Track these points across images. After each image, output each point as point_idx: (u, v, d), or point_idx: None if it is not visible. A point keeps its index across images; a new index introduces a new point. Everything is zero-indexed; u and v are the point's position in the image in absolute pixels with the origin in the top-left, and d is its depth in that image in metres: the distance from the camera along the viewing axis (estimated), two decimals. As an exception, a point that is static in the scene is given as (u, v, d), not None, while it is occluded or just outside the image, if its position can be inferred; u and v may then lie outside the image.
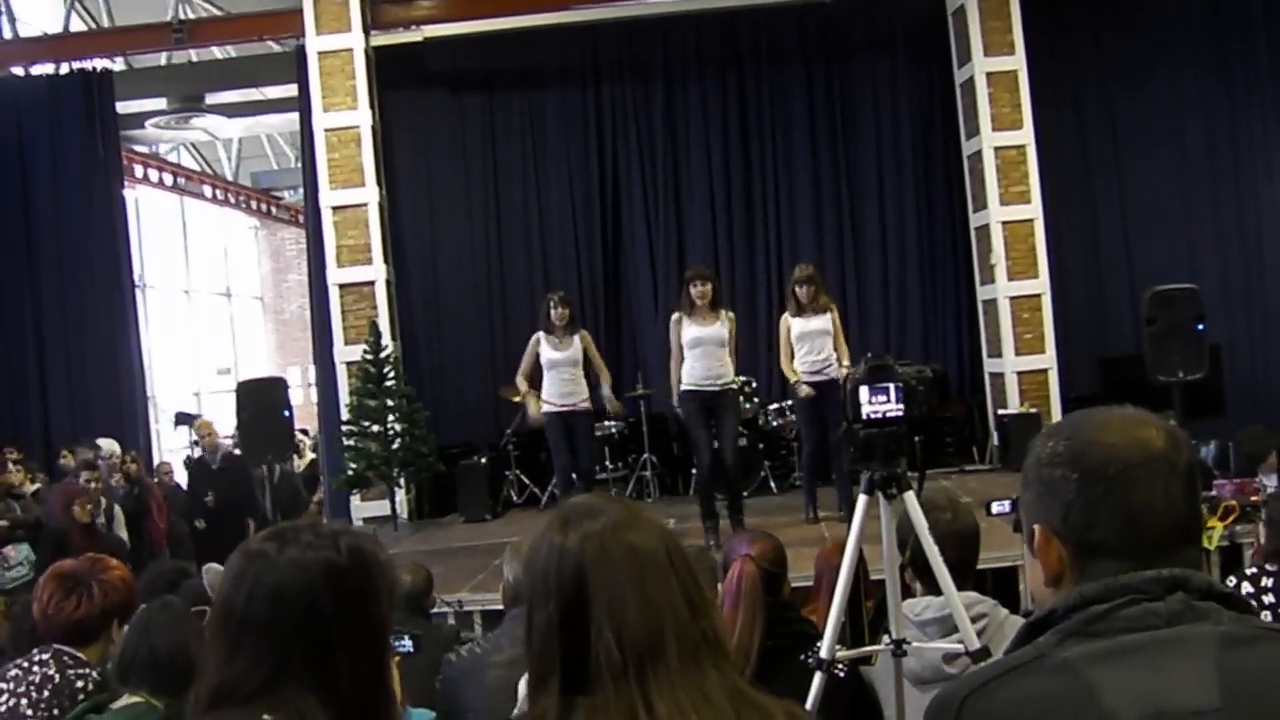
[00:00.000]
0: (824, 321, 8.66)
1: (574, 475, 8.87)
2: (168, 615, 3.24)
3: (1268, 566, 4.43)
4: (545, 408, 8.81)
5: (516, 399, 10.90)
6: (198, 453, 11.70)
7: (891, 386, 3.17)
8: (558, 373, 8.78)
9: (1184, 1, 12.22)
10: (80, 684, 3.41)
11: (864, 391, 3.16)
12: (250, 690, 1.49)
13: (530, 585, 1.53)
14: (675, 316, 8.47)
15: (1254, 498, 6.93)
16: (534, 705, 1.52)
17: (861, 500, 3.22)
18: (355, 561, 1.59)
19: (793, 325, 8.70)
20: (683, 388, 8.42)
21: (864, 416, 3.16)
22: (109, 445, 10.57)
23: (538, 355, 8.88)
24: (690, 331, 8.32)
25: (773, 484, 10.88)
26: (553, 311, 8.77)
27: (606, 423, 10.59)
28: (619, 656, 1.44)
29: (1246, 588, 4.36)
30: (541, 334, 8.86)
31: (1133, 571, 1.43)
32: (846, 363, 8.53)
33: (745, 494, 9.51)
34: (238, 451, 10.93)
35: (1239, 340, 11.81)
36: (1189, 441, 1.53)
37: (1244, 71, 12.22)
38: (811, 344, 8.64)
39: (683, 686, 1.45)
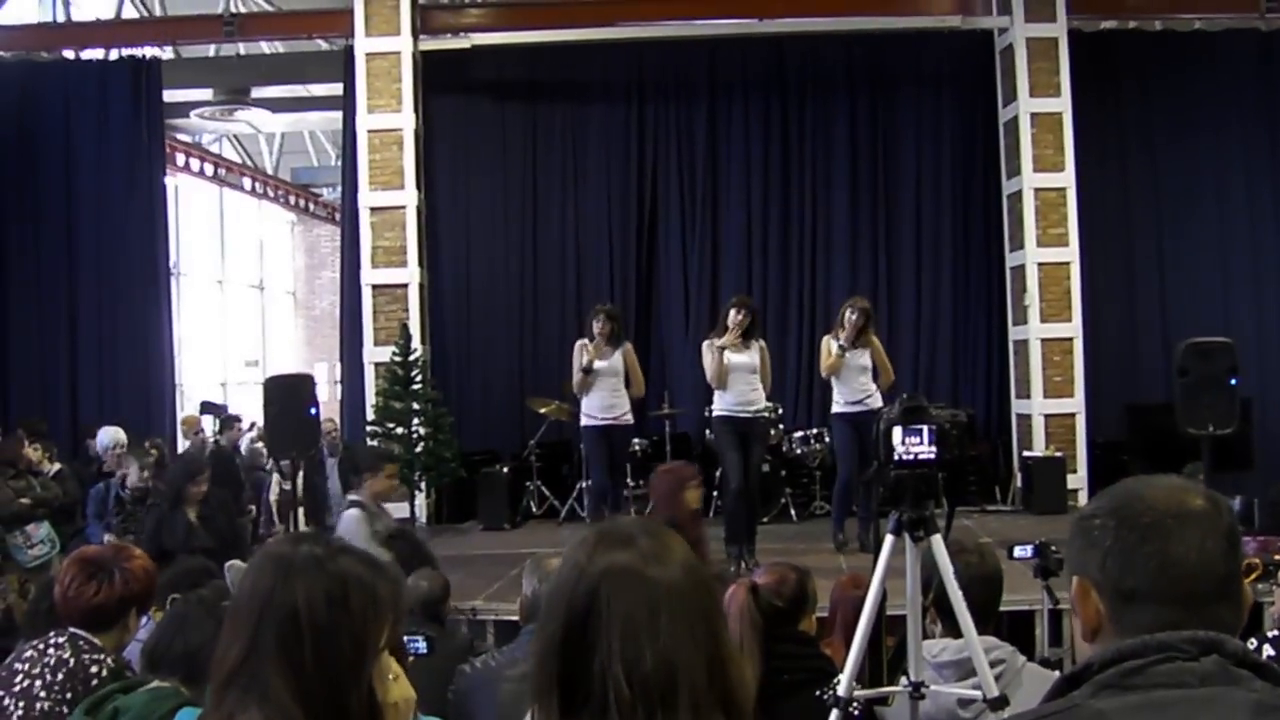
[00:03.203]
0: (864, 358, 8.69)
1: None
2: (203, 609, 3.25)
3: (1290, 629, 4.37)
4: (585, 421, 8.83)
5: (543, 410, 10.94)
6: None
7: (925, 429, 3.15)
8: (599, 383, 8.78)
9: (1232, 56, 12.17)
10: (95, 669, 3.42)
11: (897, 432, 3.15)
12: (230, 665, 1.57)
13: (546, 598, 1.54)
14: (708, 341, 8.51)
15: (1277, 556, 6.85)
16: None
17: (888, 540, 3.21)
18: (338, 569, 1.63)
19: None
20: (717, 413, 8.49)
21: (896, 457, 3.15)
22: (114, 435, 9.92)
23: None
24: (724, 357, 8.36)
25: (793, 512, 10.83)
26: (595, 325, 8.77)
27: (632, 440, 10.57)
28: (628, 694, 1.43)
29: (1268, 650, 4.31)
30: (585, 341, 8.86)
31: (1168, 620, 1.45)
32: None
33: (765, 520, 9.50)
34: (259, 445, 10.92)
35: (1270, 395, 11.71)
36: (1231, 509, 1.54)
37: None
38: (853, 379, 8.69)
39: None
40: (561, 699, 1.47)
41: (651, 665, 1.44)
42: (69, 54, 13.34)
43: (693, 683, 1.45)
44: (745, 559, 7.94)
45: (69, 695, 3.34)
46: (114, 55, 13.14)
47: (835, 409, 8.91)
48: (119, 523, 8.35)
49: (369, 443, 10.80)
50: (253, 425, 12.86)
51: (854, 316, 8.68)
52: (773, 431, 10.34)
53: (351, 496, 6.84)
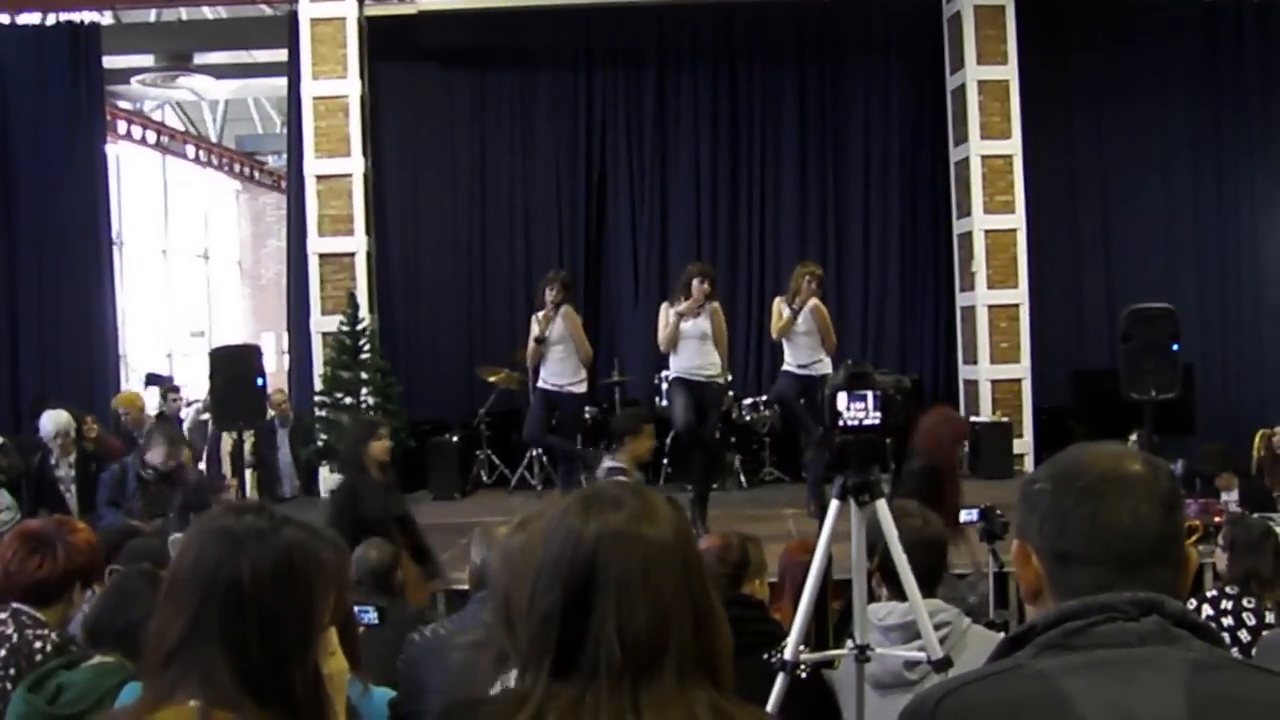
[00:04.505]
0: (808, 324, 8.76)
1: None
2: (144, 582, 3.22)
3: (1227, 590, 4.47)
4: (538, 384, 8.94)
5: (493, 379, 10.92)
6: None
7: (870, 394, 3.16)
8: (546, 351, 8.83)
9: (1178, 28, 12.27)
10: (39, 644, 3.38)
11: (842, 398, 3.16)
12: (171, 645, 1.52)
13: (539, 565, 1.53)
14: (667, 303, 8.58)
15: (1217, 518, 6.99)
16: (520, 681, 1.52)
17: (833, 505, 3.23)
18: (284, 541, 1.58)
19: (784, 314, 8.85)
20: (671, 376, 8.65)
21: (841, 423, 3.17)
22: (57, 420, 9.10)
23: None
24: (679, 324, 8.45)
25: (743, 479, 10.89)
26: (548, 291, 8.80)
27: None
28: (619, 656, 1.44)
29: (1207, 610, 4.40)
30: (539, 314, 8.89)
31: (1103, 582, 1.49)
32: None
33: (716, 486, 9.56)
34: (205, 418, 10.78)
35: (1212, 360, 11.91)
36: (1172, 473, 1.57)
37: (1233, 99, 12.29)
38: (799, 344, 8.77)
39: (673, 704, 1.45)
40: (554, 664, 1.47)
41: (645, 625, 1.45)
42: (3, 19, 13.01)
43: (681, 642, 1.47)
44: (696, 526, 7.99)
45: (12, 671, 3.30)
46: (51, 20, 12.83)
47: (784, 367, 9.01)
48: (142, 506, 7.87)
49: (316, 411, 10.76)
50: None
51: (813, 285, 8.75)
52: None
53: (610, 463, 6.45)
